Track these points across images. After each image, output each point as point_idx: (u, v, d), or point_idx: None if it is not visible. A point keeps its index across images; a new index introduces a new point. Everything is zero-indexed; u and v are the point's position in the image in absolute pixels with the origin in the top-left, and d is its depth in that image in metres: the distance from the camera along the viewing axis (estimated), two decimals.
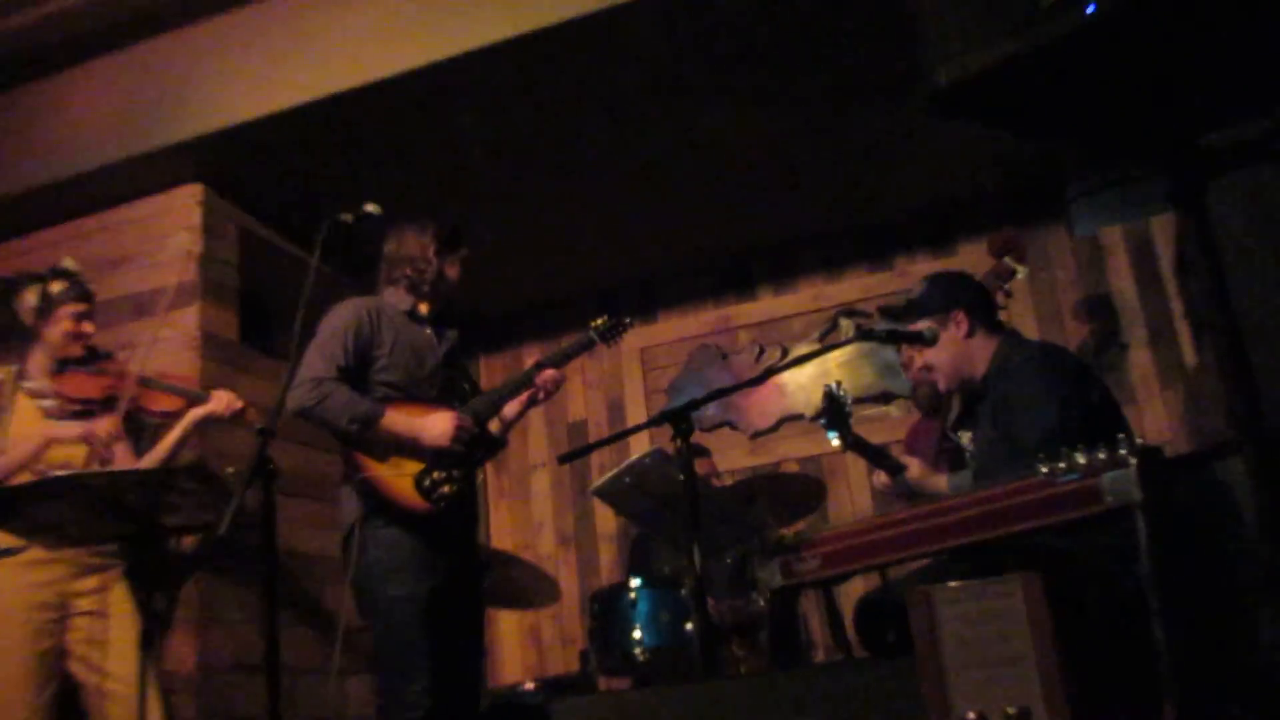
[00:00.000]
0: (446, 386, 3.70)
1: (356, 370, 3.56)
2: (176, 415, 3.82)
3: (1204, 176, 1.95)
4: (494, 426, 3.82)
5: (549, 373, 3.78)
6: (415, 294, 3.75)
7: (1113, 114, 2.01)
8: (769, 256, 6.11)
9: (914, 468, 3.37)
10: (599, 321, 3.98)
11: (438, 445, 3.52)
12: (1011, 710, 2.15)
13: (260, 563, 2.94)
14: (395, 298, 3.75)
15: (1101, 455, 2.36)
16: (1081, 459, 2.39)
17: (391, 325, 3.65)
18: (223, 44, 4.57)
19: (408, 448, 3.52)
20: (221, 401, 3.83)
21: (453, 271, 3.78)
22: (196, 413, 3.82)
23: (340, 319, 3.59)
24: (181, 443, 3.86)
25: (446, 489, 3.53)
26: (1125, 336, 5.35)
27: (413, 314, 3.74)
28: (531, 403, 3.82)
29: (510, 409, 3.82)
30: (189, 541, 4.32)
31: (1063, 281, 5.54)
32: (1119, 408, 3.23)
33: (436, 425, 3.52)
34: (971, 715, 2.18)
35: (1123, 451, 2.34)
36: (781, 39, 4.30)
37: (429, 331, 3.75)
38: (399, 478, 3.49)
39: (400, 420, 3.51)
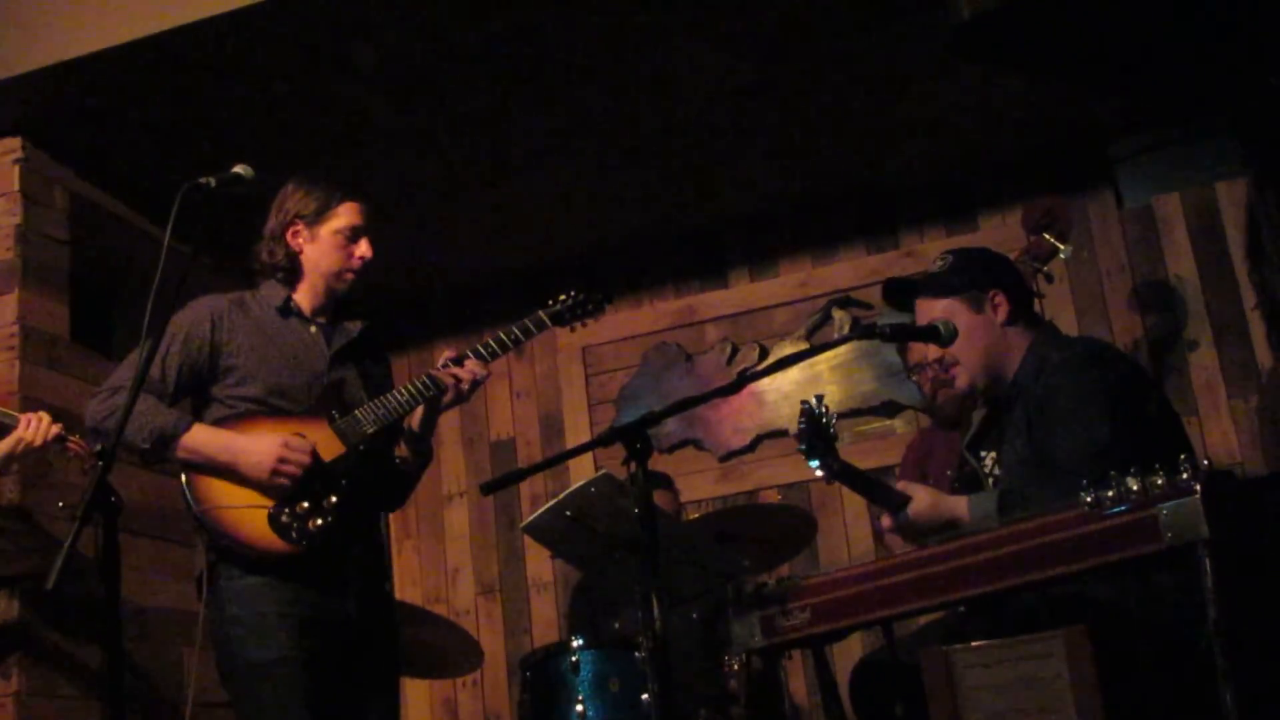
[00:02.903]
0: (326, 395, 3.57)
1: (191, 385, 3.53)
2: None
3: None
4: (401, 451, 3.68)
5: (470, 364, 3.60)
6: (288, 285, 3.68)
7: (1168, 52, 2.03)
8: (743, 232, 6.12)
9: (920, 497, 3.23)
10: (562, 298, 3.80)
11: (255, 478, 3.40)
12: None
13: (100, 622, 2.90)
14: (269, 290, 3.69)
15: (1159, 481, 2.38)
16: (1134, 485, 2.40)
17: (253, 326, 3.59)
18: None
19: (229, 475, 3.41)
20: (32, 426, 3.73)
21: (315, 249, 3.64)
22: (3, 445, 3.74)
23: (175, 321, 3.48)
24: None
25: (315, 523, 3.43)
26: (1186, 333, 5.41)
27: (287, 309, 3.66)
28: (436, 404, 3.60)
29: (414, 417, 3.64)
30: (6, 598, 4.24)
31: (1107, 264, 5.59)
32: (1179, 421, 3.25)
33: (256, 450, 3.41)
34: None
35: (1184, 476, 2.36)
36: None
37: (314, 329, 3.67)
38: (249, 511, 3.39)
39: (213, 440, 3.42)
